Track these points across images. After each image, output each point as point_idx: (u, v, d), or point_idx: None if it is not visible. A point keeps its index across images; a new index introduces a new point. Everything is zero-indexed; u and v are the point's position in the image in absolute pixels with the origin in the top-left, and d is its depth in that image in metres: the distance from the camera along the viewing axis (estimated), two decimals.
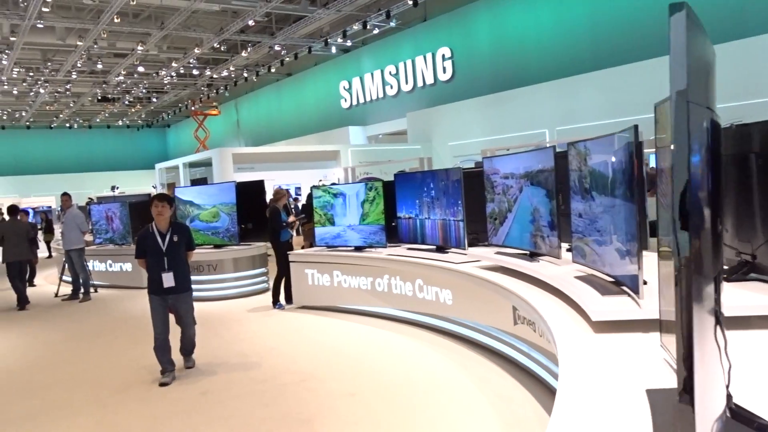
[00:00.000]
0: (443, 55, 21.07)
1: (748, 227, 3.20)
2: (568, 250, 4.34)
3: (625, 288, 3.09)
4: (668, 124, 1.40)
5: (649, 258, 3.16)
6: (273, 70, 26.00)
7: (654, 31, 14.72)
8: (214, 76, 27.04)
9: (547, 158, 4.18)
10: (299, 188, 20.53)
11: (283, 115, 30.04)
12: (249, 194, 9.55)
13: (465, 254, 5.66)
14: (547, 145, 4.16)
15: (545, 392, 4.17)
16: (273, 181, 18.05)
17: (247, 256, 9.26)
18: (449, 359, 5.18)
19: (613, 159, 2.96)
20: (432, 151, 20.66)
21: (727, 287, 3.13)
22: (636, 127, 2.66)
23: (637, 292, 2.69)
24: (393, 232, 6.97)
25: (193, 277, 5.72)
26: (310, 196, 11.20)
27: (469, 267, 5.32)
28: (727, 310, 2.01)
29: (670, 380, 2.10)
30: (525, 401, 4.11)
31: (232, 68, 26.00)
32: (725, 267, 3.36)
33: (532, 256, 4.62)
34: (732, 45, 12.44)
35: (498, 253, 5.06)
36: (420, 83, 22.23)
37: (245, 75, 27.15)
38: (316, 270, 7.66)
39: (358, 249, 7.25)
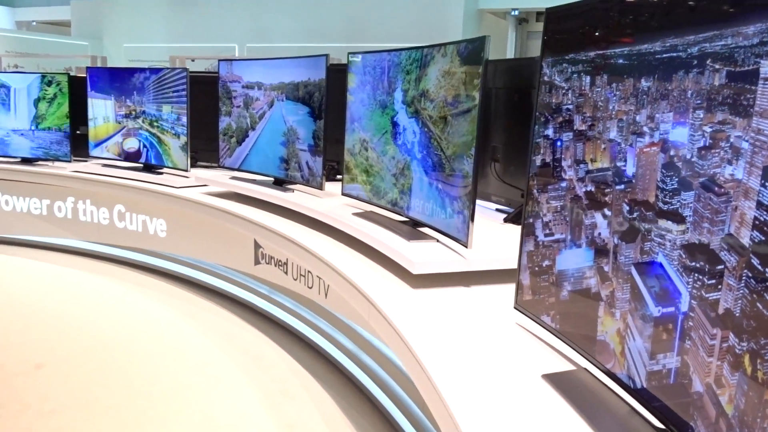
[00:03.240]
0: None
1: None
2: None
3: (426, 231, 2.67)
4: None
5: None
6: None
7: None
8: None
9: (317, 69, 3.48)
10: None
11: None
12: None
13: (187, 177, 4.66)
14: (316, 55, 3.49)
15: (297, 343, 3.62)
16: None
17: None
18: (171, 306, 4.23)
19: (445, 71, 2.42)
20: (103, 50, 17.98)
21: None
22: (487, 38, 2.15)
23: (465, 240, 2.26)
24: (80, 144, 5.48)
25: None
26: None
27: (194, 192, 4.38)
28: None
29: (548, 356, 1.72)
30: (277, 357, 3.50)
31: None
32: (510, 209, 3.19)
33: (281, 184, 3.94)
34: None
35: (234, 178, 4.23)
36: None
37: None
38: None
39: (26, 161, 5.54)
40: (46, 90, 5.37)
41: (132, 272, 4.92)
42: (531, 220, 1.83)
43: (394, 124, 2.85)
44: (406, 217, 2.82)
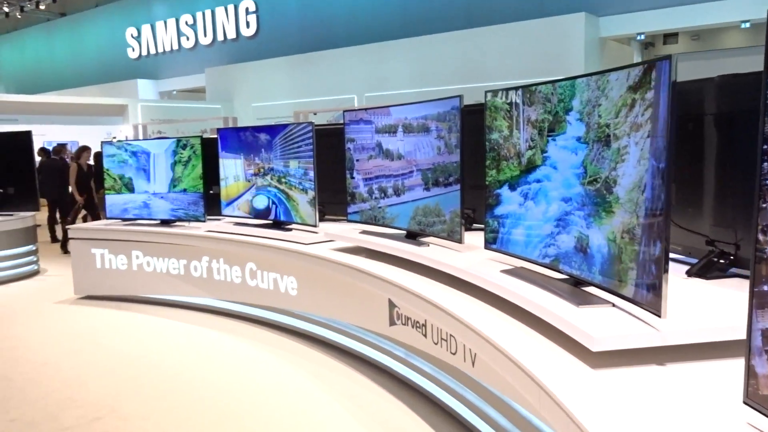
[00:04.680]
0: (247, 9, 19.35)
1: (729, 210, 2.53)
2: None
3: (592, 291, 2.24)
4: None
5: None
6: (42, 7, 21.89)
7: (463, 3, 14.74)
8: None
9: (450, 112, 3.19)
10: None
11: (56, 61, 25.73)
12: (8, 149, 7.35)
13: (315, 232, 4.52)
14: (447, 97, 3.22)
15: (439, 414, 3.25)
16: (44, 136, 15.15)
17: (7, 230, 7.09)
18: (303, 369, 4.03)
19: (622, 97, 2.03)
20: (234, 111, 19.13)
21: (705, 286, 2.43)
22: (674, 56, 1.74)
23: (656, 308, 1.81)
24: (213, 203, 5.56)
25: None
26: (97, 156, 9.23)
27: (323, 249, 4.20)
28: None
29: None
30: (413, 425, 3.15)
31: None
32: (693, 260, 2.67)
33: (414, 237, 3.65)
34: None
35: (364, 232, 4.01)
36: (221, 37, 20.27)
37: (5, 10, 22.49)
38: (107, 250, 5.95)
39: (165, 223, 5.71)
40: (181, 153, 5.53)
41: (265, 331, 4.80)
42: (766, 288, 1.36)
43: (549, 165, 2.47)
44: (566, 275, 2.41)
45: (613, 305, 2.09)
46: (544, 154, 2.50)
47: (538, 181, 2.56)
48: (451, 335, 3.00)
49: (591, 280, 2.21)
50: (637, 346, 1.82)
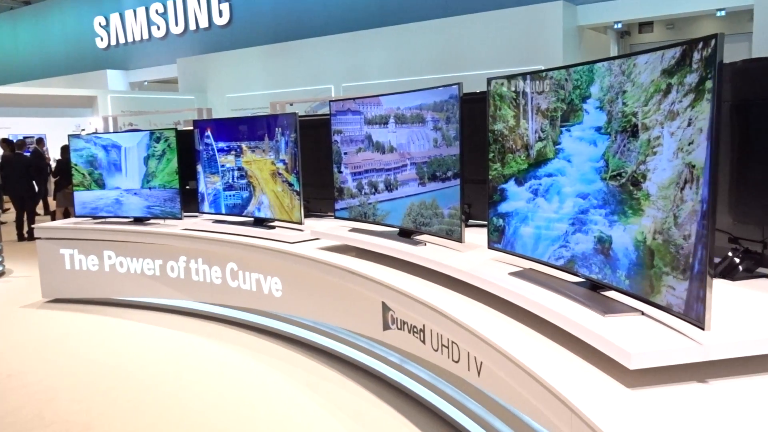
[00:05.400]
0: None
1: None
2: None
3: (614, 296, 2.04)
4: None
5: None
6: None
7: None
8: None
9: (448, 101, 2.97)
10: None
11: (21, 51, 24.92)
12: None
13: (301, 230, 4.28)
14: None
15: (432, 420, 3.04)
16: (9, 129, 14.61)
17: None
18: (291, 376, 3.78)
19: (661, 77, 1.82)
20: (207, 102, 18.70)
21: (731, 288, 2.25)
22: (720, 35, 1.54)
23: (699, 319, 1.62)
24: (190, 199, 5.27)
25: None
26: (65, 150, 8.82)
27: (310, 248, 3.96)
28: None
29: None
30: None
31: None
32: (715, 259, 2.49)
33: (408, 235, 3.42)
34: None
35: (354, 230, 3.77)
36: (192, 26, 19.77)
37: None
38: (77, 250, 5.62)
39: (139, 221, 5.40)
40: (155, 147, 5.22)
41: (248, 335, 4.54)
42: None
43: (563, 158, 2.27)
44: (583, 278, 2.21)
45: (642, 313, 1.90)
46: (557, 146, 2.30)
47: (550, 175, 2.36)
48: (453, 342, 2.79)
49: (615, 286, 2.01)
50: (679, 362, 1.62)
